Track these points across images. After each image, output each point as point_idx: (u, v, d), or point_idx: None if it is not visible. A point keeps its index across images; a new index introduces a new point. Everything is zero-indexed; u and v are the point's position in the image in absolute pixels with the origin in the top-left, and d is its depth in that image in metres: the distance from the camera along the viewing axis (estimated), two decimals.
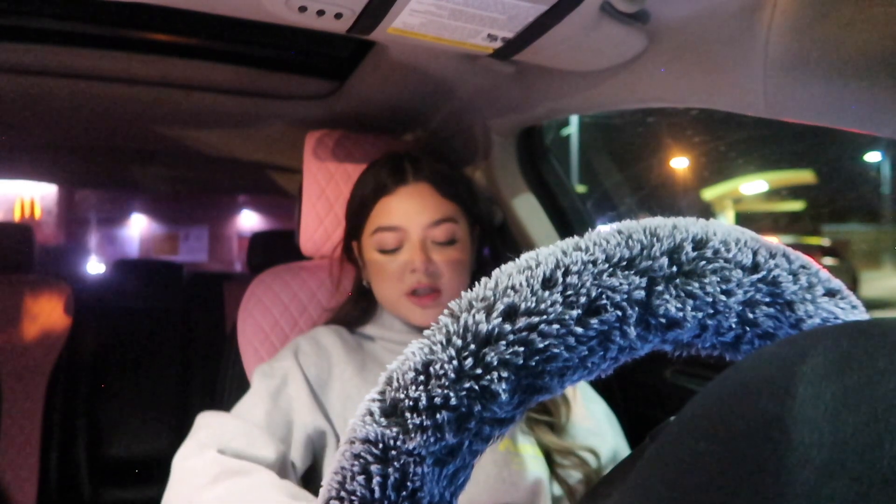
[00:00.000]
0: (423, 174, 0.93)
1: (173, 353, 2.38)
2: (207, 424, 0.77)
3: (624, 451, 0.92)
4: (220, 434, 0.74)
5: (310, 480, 0.85)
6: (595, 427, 0.91)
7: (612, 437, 0.92)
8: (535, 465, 0.84)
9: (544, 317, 0.27)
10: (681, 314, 0.30)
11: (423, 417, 0.26)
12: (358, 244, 0.99)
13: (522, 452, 0.85)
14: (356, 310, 0.99)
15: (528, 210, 1.21)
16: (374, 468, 0.26)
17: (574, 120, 2.37)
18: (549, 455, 0.87)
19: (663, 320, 0.29)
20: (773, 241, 0.33)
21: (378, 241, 0.92)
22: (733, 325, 0.32)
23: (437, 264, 0.89)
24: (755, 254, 0.31)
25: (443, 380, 0.26)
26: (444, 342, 0.27)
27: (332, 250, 1.09)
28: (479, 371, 0.27)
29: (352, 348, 0.92)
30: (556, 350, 0.27)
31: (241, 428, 0.75)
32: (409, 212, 0.90)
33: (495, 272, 0.29)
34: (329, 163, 1.13)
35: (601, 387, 1.03)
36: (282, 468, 0.76)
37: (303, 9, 0.65)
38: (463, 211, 0.95)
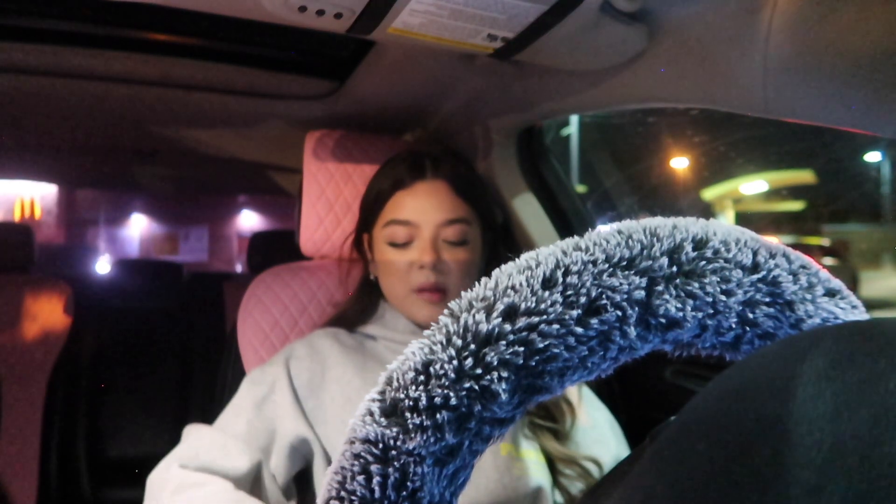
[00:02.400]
0: (442, 172, 0.93)
1: (173, 353, 2.38)
2: (187, 437, 0.79)
3: None
4: (196, 447, 0.76)
5: (304, 488, 0.85)
6: (598, 435, 0.91)
7: (615, 445, 0.91)
8: (536, 470, 0.84)
9: (544, 317, 0.27)
10: (681, 314, 0.30)
11: (423, 417, 0.26)
12: (369, 237, 0.98)
13: (525, 457, 0.85)
14: (359, 306, 0.99)
15: (528, 210, 1.21)
16: (374, 468, 0.26)
17: (574, 120, 2.37)
18: (551, 462, 0.87)
19: (663, 320, 0.29)
20: (773, 241, 0.33)
21: (389, 234, 0.91)
22: (733, 325, 0.32)
23: (446, 263, 0.89)
24: (755, 254, 0.31)
25: (443, 380, 0.26)
26: (445, 342, 0.27)
27: (341, 245, 1.09)
28: (479, 371, 0.27)
29: (350, 350, 0.91)
30: (556, 350, 0.27)
31: (217, 440, 0.77)
32: (424, 208, 0.90)
33: (495, 272, 0.29)
34: (329, 163, 1.13)
35: (601, 387, 1.03)
36: (256, 478, 0.78)
37: (303, 9, 0.65)
38: (477, 214, 0.94)
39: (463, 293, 0.29)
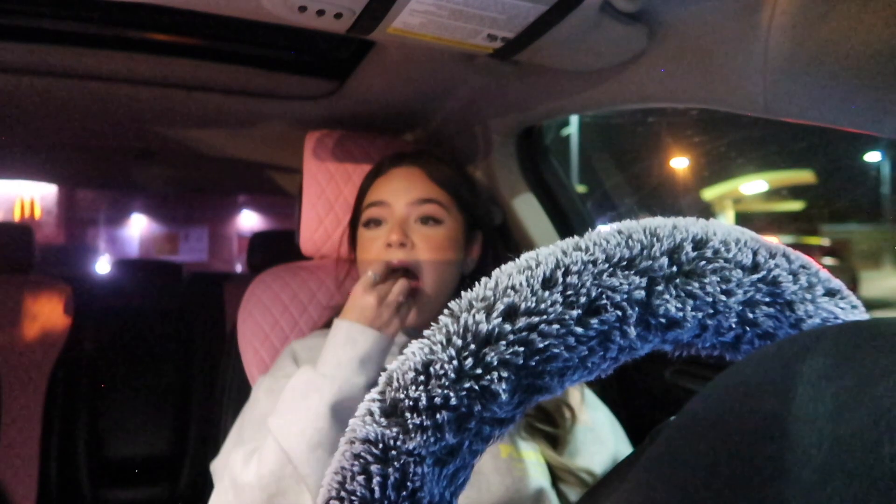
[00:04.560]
0: (418, 161, 0.97)
1: (173, 353, 2.38)
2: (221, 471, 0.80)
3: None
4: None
5: None
6: (597, 434, 0.91)
7: (613, 443, 0.91)
8: (537, 471, 0.84)
9: (544, 317, 0.27)
10: (681, 314, 0.30)
11: (423, 417, 0.26)
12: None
13: (525, 459, 0.84)
14: None
15: (528, 210, 1.21)
16: (374, 468, 0.26)
17: (574, 120, 2.37)
18: (550, 465, 0.87)
19: (663, 320, 0.29)
20: (773, 241, 0.33)
21: (366, 216, 0.95)
22: (733, 325, 0.32)
23: (415, 241, 0.90)
24: (755, 254, 0.31)
25: (443, 380, 0.26)
26: (445, 342, 0.27)
27: (337, 248, 1.10)
28: (479, 371, 0.27)
29: None
30: (556, 350, 0.27)
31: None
32: (397, 189, 0.93)
33: (495, 272, 0.29)
34: (329, 163, 1.13)
35: (601, 387, 1.03)
36: None
37: (303, 9, 0.65)
38: (455, 201, 0.95)
39: (463, 293, 0.29)
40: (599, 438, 0.91)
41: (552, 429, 0.88)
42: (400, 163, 0.97)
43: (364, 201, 0.97)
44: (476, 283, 0.29)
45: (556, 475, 0.86)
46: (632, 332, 0.29)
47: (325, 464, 0.70)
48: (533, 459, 0.85)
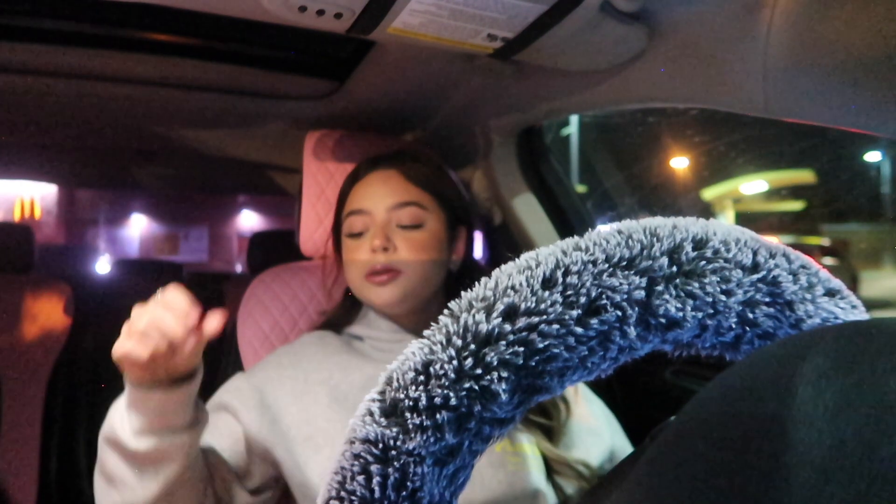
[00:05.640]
0: (396, 164, 0.95)
1: None
2: None
3: (623, 449, 0.92)
4: None
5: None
6: (594, 426, 0.91)
7: (609, 436, 0.91)
8: (533, 465, 0.84)
9: (544, 317, 0.27)
10: (681, 314, 0.30)
11: (423, 417, 0.26)
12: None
13: (520, 452, 0.84)
14: (342, 308, 1.00)
15: (528, 210, 1.21)
16: (374, 468, 0.26)
17: (574, 120, 2.37)
18: (546, 458, 0.87)
19: (663, 320, 0.29)
20: (773, 241, 0.33)
21: (348, 225, 0.94)
22: (733, 325, 0.32)
23: (397, 245, 0.89)
24: (755, 254, 0.31)
25: (443, 380, 0.26)
26: (444, 342, 0.27)
27: (323, 247, 1.09)
28: (479, 371, 0.27)
29: (335, 350, 0.91)
30: (556, 350, 0.27)
31: None
32: (376, 195, 0.92)
33: (495, 272, 0.29)
34: (329, 163, 1.13)
35: (601, 387, 1.03)
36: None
37: (303, 9, 0.65)
38: (436, 202, 0.94)
39: (463, 293, 0.29)
40: (596, 431, 0.91)
41: (547, 421, 0.88)
42: (376, 167, 0.95)
43: (344, 209, 0.96)
44: (475, 282, 0.29)
45: (552, 468, 0.86)
46: (632, 332, 0.29)
47: (103, 491, 0.72)
48: (528, 452, 0.84)
